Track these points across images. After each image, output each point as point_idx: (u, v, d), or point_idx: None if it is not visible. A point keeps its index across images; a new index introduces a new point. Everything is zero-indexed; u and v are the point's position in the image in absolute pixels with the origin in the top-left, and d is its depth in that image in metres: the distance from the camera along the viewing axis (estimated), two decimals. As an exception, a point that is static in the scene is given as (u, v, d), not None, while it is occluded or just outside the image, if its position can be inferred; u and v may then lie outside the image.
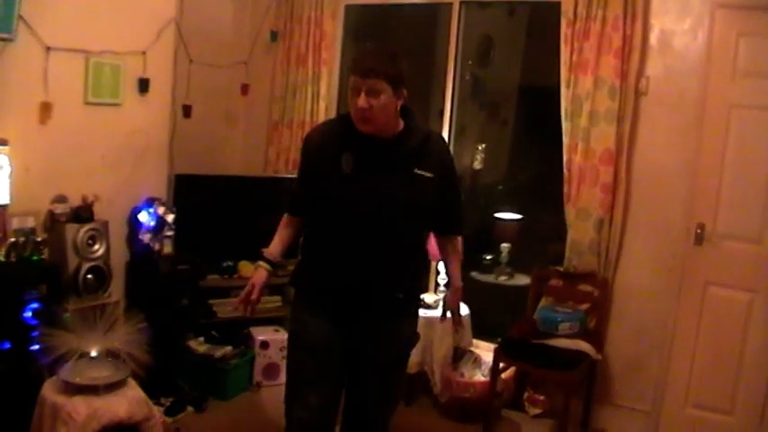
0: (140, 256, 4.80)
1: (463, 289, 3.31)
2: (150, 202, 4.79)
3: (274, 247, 3.15)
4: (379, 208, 2.90)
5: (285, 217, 3.19)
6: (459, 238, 3.32)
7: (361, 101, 2.78)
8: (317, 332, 3.01)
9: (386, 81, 2.78)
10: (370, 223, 2.90)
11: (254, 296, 3.06)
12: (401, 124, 2.96)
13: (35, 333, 3.77)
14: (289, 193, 3.22)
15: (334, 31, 5.68)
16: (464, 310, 5.04)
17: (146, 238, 4.73)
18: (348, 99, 2.86)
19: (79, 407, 3.25)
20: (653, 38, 4.51)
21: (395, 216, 2.93)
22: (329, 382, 3.05)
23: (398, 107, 2.90)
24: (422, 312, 4.80)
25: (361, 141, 2.89)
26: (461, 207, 3.26)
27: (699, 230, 4.44)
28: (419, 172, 2.93)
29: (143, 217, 4.73)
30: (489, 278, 6.03)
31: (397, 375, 3.23)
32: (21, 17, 3.96)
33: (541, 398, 4.90)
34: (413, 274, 3.16)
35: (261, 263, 3.13)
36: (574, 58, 4.61)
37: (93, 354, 3.42)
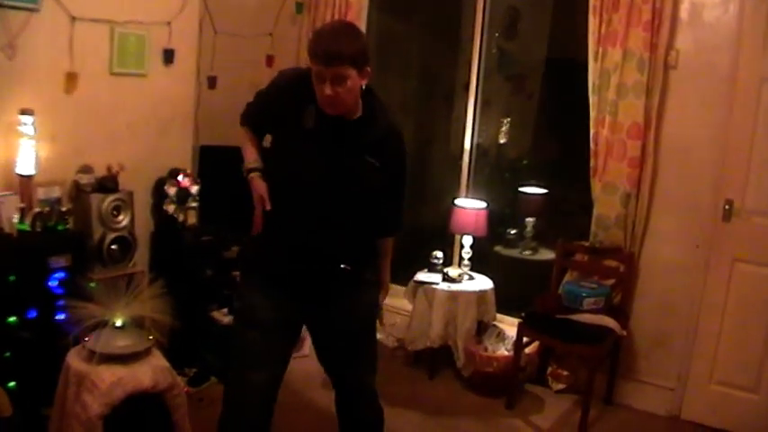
0: (165, 226, 4.82)
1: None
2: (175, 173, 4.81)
3: (253, 155, 3.02)
4: (331, 173, 2.83)
5: (244, 131, 3.09)
6: (391, 239, 3.21)
7: (328, 89, 2.68)
8: (267, 311, 2.97)
9: (351, 66, 2.66)
10: (320, 187, 2.84)
11: (267, 206, 2.91)
12: (360, 106, 2.86)
13: (60, 302, 3.81)
14: (248, 107, 3.11)
15: (360, 1, 5.62)
16: (488, 284, 5.05)
17: (170, 208, 4.74)
18: (313, 83, 2.74)
19: (104, 375, 3.27)
20: (683, 10, 4.43)
21: (344, 186, 2.87)
22: (274, 362, 3.04)
23: (363, 86, 2.81)
24: (446, 286, 4.87)
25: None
26: (400, 208, 3.14)
27: (727, 206, 4.39)
28: (369, 159, 2.86)
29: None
30: (514, 252, 6.01)
31: (367, 340, 3.18)
32: (46, -14, 3.97)
33: (565, 373, 4.90)
34: (360, 246, 3.06)
35: (253, 174, 2.98)
36: (602, 29, 4.54)
37: (118, 323, 3.43)
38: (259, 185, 2.94)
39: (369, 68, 2.77)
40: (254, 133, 3.07)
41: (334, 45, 2.65)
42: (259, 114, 3.05)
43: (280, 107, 2.90)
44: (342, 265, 2.98)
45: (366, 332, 3.18)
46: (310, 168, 2.85)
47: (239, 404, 3.02)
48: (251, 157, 3.02)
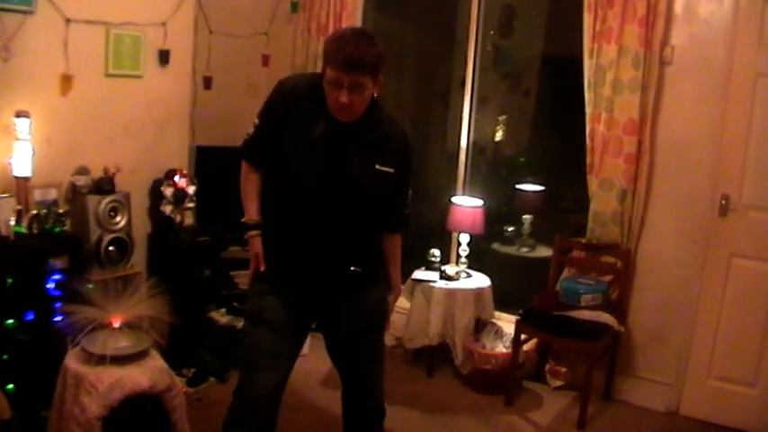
0: (162, 227, 4.82)
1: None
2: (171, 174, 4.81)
3: (251, 210, 3.03)
4: (341, 180, 2.84)
5: (245, 170, 3.04)
6: (399, 240, 3.20)
7: (344, 97, 2.67)
8: (277, 312, 2.97)
9: (369, 75, 2.68)
10: (330, 194, 2.85)
11: (261, 267, 3.01)
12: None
13: (58, 304, 3.81)
14: (248, 137, 3.01)
15: (355, 0, 5.63)
16: (485, 282, 5.06)
17: (167, 209, 4.74)
18: (325, 88, 2.73)
19: (102, 377, 3.27)
20: (678, 6, 4.43)
21: (355, 191, 2.88)
22: (283, 362, 3.04)
23: (374, 94, 2.81)
24: (443, 284, 4.87)
25: (330, 114, 2.79)
26: (406, 206, 3.13)
27: (723, 201, 4.39)
28: (380, 168, 2.86)
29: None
30: (511, 250, 6.02)
31: (373, 340, 3.18)
32: (40, -12, 3.97)
33: (563, 370, 4.90)
34: (369, 249, 3.07)
35: (250, 232, 3.04)
36: (597, 26, 4.54)
37: (116, 324, 3.43)
38: (256, 245, 3.02)
39: (382, 77, 2.77)
40: (257, 165, 3.02)
41: (356, 53, 2.64)
42: (263, 132, 2.96)
43: (286, 111, 2.87)
44: (352, 268, 2.99)
45: (370, 332, 3.16)
46: (320, 177, 2.84)
47: (248, 404, 3.01)
48: (251, 213, 3.04)
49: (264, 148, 2.95)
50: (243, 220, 3.06)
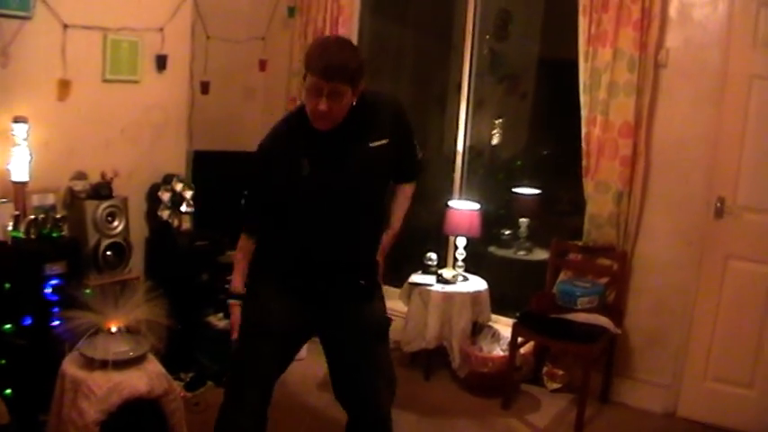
0: (160, 232, 4.83)
1: (399, 235, 3.22)
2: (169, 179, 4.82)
3: (238, 282, 3.11)
4: (340, 201, 2.85)
5: (243, 240, 3.09)
6: (411, 189, 3.22)
7: (323, 105, 2.67)
8: (280, 319, 2.98)
9: (348, 83, 2.67)
10: (331, 218, 2.87)
11: (234, 336, 3.08)
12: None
13: (55, 309, 3.82)
14: (244, 212, 3.08)
15: (352, 5, 5.63)
16: (482, 285, 5.06)
17: (165, 214, 4.75)
18: (304, 96, 2.74)
19: (100, 381, 3.28)
20: (672, 9, 4.45)
21: (355, 204, 2.90)
22: (280, 367, 3.09)
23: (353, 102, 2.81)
24: (440, 287, 4.88)
25: (315, 136, 2.79)
26: (416, 156, 3.14)
27: (719, 203, 4.40)
28: (374, 144, 2.86)
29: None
30: (508, 253, 6.02)
31: (380, 352, 3.16)
32: (38, -5, 3.98)
33: (560, 372, 4.91)
34: (374, 256, 3.10)
35: (232, 302, 3.12)
36: (592, 30, 4.56)
37: (114, 329, 3.44)
38: (235, 315, 3.10)
39: (362, 83, 2.77)
40: (256, 230, 3.05)
41: (336, 61, 2.65)
42: (255, 196, 3.01)
43: (269, 165, 2.88)
44: (361, 281, 3.01)
45: (376, 343, 3.14)
46: (319, 205, 2.86)
47: (240, 408, 3.02)
48: (236, 284, 3.13)
49: (260, 207, 2.99)
50: (228, 287, 3.21)
